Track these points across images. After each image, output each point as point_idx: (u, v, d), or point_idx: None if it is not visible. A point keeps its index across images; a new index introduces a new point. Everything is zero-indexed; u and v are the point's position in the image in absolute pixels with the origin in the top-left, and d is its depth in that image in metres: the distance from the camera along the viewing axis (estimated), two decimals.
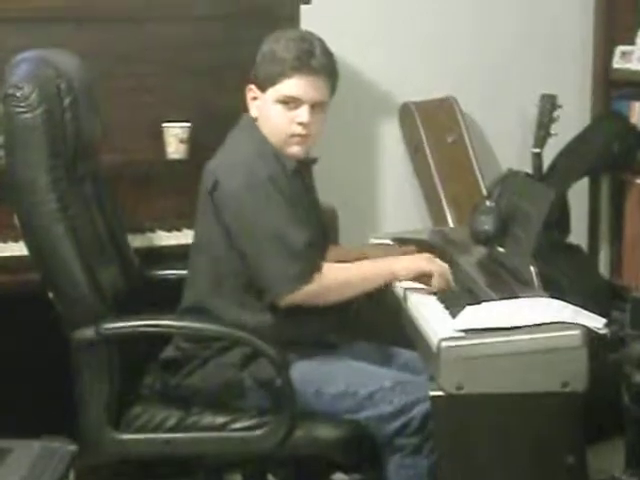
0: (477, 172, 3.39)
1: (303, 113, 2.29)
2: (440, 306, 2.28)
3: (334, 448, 2.23)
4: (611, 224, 3.57)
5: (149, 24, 2.86)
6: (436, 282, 2.31)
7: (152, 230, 2.80)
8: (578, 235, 3.45)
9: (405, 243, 2.72)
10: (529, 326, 2.05)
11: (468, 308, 2.16)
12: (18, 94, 2.16)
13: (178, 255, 2.55)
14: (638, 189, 3.39)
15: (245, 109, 2.37)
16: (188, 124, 2.90)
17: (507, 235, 2.51)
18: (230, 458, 2.34)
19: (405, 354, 2.43)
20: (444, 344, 2.03)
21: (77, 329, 2.20)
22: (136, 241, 2.69)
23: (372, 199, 3.47)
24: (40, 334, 2.62)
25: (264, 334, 2.20)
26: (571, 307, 2.14)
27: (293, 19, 2.91)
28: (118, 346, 2.23)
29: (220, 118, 2.48)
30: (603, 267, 3.56)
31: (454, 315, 2.17)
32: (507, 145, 3.53)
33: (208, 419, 2.26)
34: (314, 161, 2.48)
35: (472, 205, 2.68)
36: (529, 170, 3.16)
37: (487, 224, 2.53)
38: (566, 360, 2.02)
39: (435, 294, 2.34)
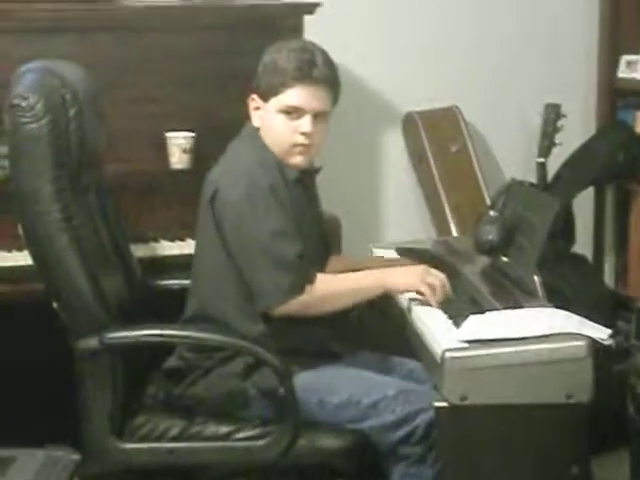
0: (481, 182, 3.39)
1: (305, 123, 2.29)
2: (444, 316, 2.28)
3: (337, 457, 2.23)
4: (616, 234, 3.56)
5: (153, 34, 2.87)
6: (432, 301, 2.29)
7: (155, 240, 2.80)
8: (583, 245, 3.44)
9: (408, 253, 2.72)
10: (534, 337, 2.05)
11: (472, 318, 2.16)
12: (23, 104, 2.16)
13: (181, 265, 2.55)
14: None
15: (248, 119, 2.37)
16: (192, 134, 2.90)
17: (511, 245, 2.50)
18: (233, 468, 2.34)
19: (409, 364, 2.43)
20: (448, 355, 2.03)
21: (81, 338, 2.20)
22: (139, 251, 2.69)
23: (375, 209, 3.47)
24: (44, 343, 2.62)
25: (266, 343, 2.21)
26: (576, 317, 2.14)
27: (297, 29, 2.91)
28: (121, 355, 2.23)
29: (224, 128, 2.48)
30: (608, 277, 3.55)
31: (458, 325, 2.17)
32: (511, 155, 3.53)
33: (211, 429, 2.26)
34: (317, 171, 2.47)
35: (476, 215, 2.68)
36: (533, 180, 3.16)
37: (491, 234, 2.52)
38: (571, 371, 2.02)
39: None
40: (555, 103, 3.18)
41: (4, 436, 2.18)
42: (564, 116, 3.16)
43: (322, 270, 2.38)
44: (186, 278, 2.43)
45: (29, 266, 2.30)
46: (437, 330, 2.19)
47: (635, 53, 3.44)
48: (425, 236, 3.33)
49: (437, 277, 2.33)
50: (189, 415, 2.28)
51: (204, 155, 2.82)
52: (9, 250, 2.65)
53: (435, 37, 3.44)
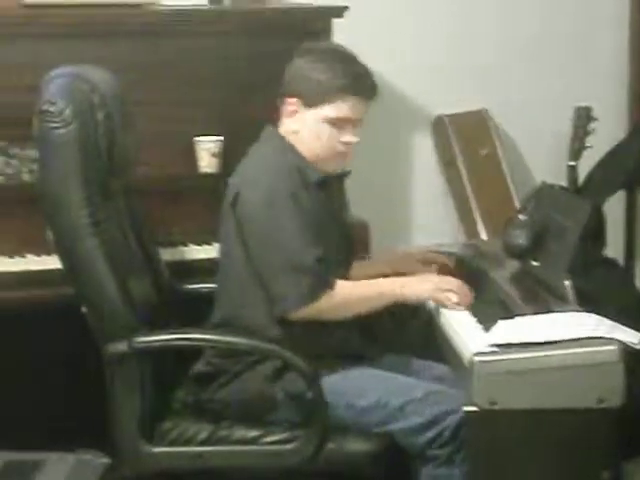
0: (510, 185, 3.37)
1: (349, 133, 2.31)
2: (473, 320, 2.26)
3: (365, 461, 2.22)
4: None
5: (182, 38, 2.87)
6: (455, 307, 2.30)
7: (184, 244, 2.80)
8: (614, 249, 3.41)
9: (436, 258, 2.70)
10: (564, 341, 2.03)
11: (501, 322, 2.15)
12: (52, 109, 2.18)
13: (209, 269, 2.55)
14: None
15: (274, 123, 2.37)
16: (220, 138, 2.91)
17: (541, 249, 2.48)
18: (261, 471, 2.34)
19: (438, 367, 2.42)
20: (477, 359, 2.02)
21: (110, 343, 2.21)
22: (167, 255, 2.69)
23: (404, 212, 3.46)
24: (73, 347, 2.63)
25: (293, 346, 2.20)
26: (607, 322, 2.12)
27: (325, 33, 2.91)
28: (150, 360, 2.23)
29: (252, 132, 2.48)
30: (639, 281, 3.52)
31: (487, 329, 2.15)
32: (541, 158, 3.50)
33: (240, 432, 2.26)
34: (347, 174, 2.47)
35: (505, 218, 2.66)
36: (564, 183, 3.13)
37: (521, 238, 2.51)
38: (602, 375, 2.00)
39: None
40: (586, 106, 3.16)
41: (34, 440, 2.19)
42: (595, 119, 3.13)
43: (346, 274, 2.38)
44: (214, 282, 2.43)
45: (58, 270, 2.31)
46: (466, 334, 2.18)
47: None
48: (454, 239, 3.32)
49: (453, 284, 2.33)
50: (217, 419, 2.28)
51: (233, 159, 2.81)
52: (38, 254, 2.66)
53: (464, 40, 3.42)
